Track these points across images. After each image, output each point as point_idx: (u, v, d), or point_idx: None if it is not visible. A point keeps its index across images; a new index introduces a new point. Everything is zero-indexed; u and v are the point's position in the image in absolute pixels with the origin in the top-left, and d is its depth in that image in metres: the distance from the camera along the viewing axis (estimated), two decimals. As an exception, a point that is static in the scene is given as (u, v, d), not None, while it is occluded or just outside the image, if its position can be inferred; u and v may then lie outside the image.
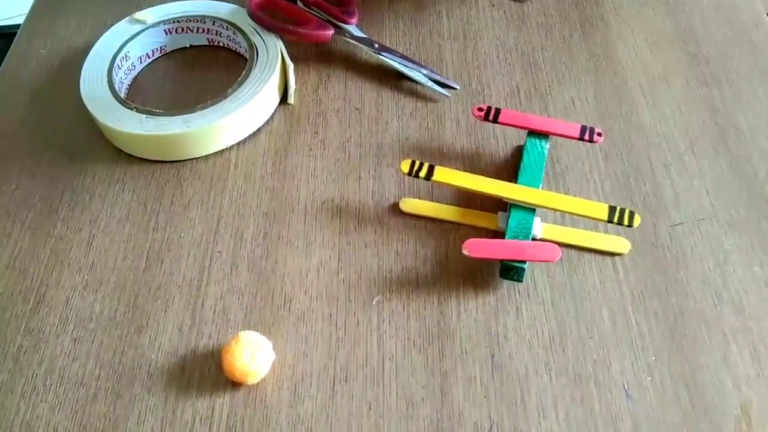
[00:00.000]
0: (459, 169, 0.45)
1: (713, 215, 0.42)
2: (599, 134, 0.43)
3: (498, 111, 0.44)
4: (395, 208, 0.43)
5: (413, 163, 0.41)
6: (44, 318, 0.40)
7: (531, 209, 0.40)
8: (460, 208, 0.42)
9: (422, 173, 0.40)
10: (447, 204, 0.43)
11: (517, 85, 0.50)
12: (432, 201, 0.43)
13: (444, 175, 0.41)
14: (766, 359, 0.37)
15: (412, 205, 0.43)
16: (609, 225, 0.42)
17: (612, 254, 0.41)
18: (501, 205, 0.42)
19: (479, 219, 0.42)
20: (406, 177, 0.45)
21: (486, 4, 0.56)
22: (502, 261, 0.38)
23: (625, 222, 0.39)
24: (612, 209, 0.39)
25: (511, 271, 0.39)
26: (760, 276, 0.40)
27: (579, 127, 0.43)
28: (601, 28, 0.54)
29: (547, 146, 0.43)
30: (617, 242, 0.41)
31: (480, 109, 0.44)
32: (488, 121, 0.44)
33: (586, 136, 0.43)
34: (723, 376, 0.36)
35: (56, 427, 0.36)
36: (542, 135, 0.43)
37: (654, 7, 0.55)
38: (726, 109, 0.48)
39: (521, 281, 0.39)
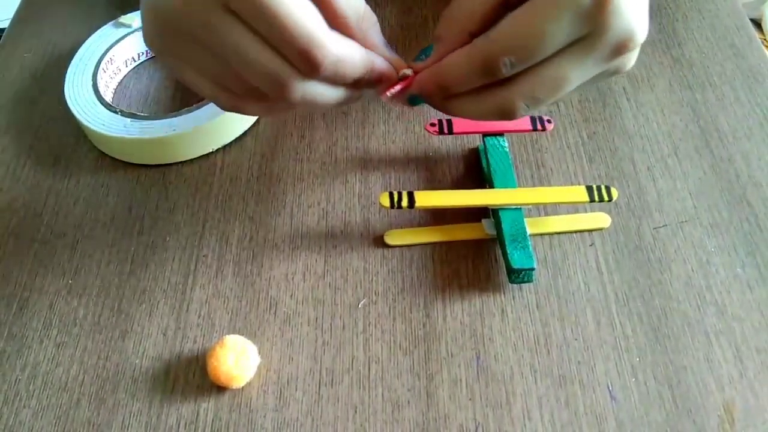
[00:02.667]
0: (447, 172, 0.46)
1: (696, 217, 0.43)
2: (549, 121, 0.44)
3: (450, 122, 0.44)
4: (381, 212, 0.43)
5: (392, 195, 0.40)
6: (27, 323, 0.39)
7: (517, 208, 0.41)
8: (445, 227, 0.42)
9: (404, 203, 0.40)
10: (430, 220, 0.43)
11: (502, 89, 0.50)
12: (414, 221, 0.43)
13: (426, 199, 0.40)
14: (749, 360, 0.37)
15: (397, 237, 0.42)
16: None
17: (597, 230, 0.42)
18: (483, 212, 0.42)
19: (465, 232, 0.42)
20: (393, 180, 0.45)
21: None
22: (510, 265, 0.38)
23: (605, 198, 0.40)
24: (590, 189, 0.40)
25: (521, 273, 0.39)
26: (743, 277, 0.40)
27: (529, 119, 0.44)
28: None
29: (507, 143, 0.44)
30: (598, 218, 0.42)
31: (432, 125, 0.44)
32: (443, 134, 0.44)
33: (538, 126, 0.44)
34: (706, 377, 0.36)
35: (39, 433, 0.35)
36: (498, 134, 0.44)
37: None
38: (708, 112, 0.48)
39: (531, 281, 0.39)
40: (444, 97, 0.33)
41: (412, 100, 0.34)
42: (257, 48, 0.30)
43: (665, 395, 0.36)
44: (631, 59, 0.32)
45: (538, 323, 0.38)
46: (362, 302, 0.39)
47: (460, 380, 0.36)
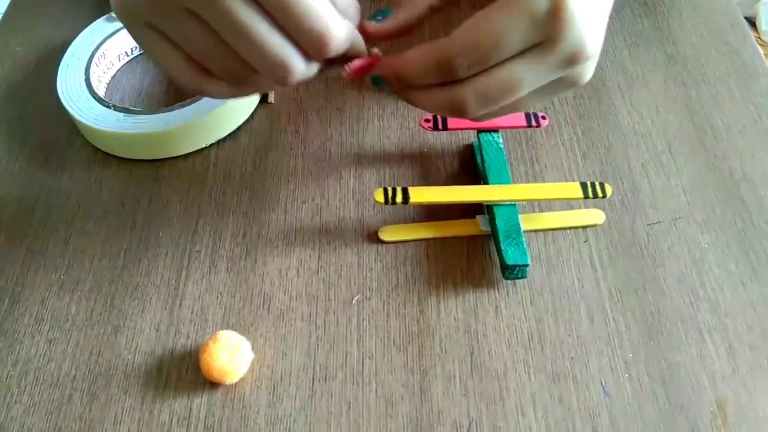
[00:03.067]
0: (441, 169, 0.45)
1: (690, 214, 0.43)
2: (543, 118, 0.44)
3: (444, 118, 0.44)
4: (375, 208, 0.43)
5: (386, 191, 0.40)
6: (19, 318, 0.39)
7: (512, 204, 0.40)
8: (439, 223, 0.42)
9: (398, 199, 0.40)
10: (424, 216, 0.43)
11: (497, 85, 0.50)
12: (408, 218, 0.43)
13: (420, 194, 0.40)
14: (742, 356, 0.37)
15: (391, 232, 0.42)
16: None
17: (591, 226, 0.42)
18: (477, 208, 0.42)
19: (460, 228, 0.42)
20: (387, 176, 0.45)
21: (467, 5, 0.56)
22: (504, 261, 0.38)
23: (599, 194, 0.40)
24: (584, 185, 0.41)
25: (515, 269, 0.39)
26: (736, 274, 0.40)
27: (523, 115, 0.44)
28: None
29: (501, 139, 0.43)
30: (592, 215, 0.42)
31: (427, 120, 0.44)
32: (438, 129, 0.44)
33: (533, 123, 0.44)
34: (699, 373, 0.37)
35: (31, 428, 0.35)
36: (492, 130, 0.44)
37: (632, 7, 0.56)
38: (703, 110, 0.48)
39: (525, 277, 0.39)
40: (402, 87, 0.34)
41: (375, 81, 0.35)
42: (267, 29, 0.29)
43: (658, 391, 0.36)
44: (586, 71, 0.32)
45: (531, 319, 0.38)
46: (356, 298, 0.39)
47: (454, 376, 0.36)
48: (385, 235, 0.42)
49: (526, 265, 0.38)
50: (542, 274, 0.40)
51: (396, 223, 0.42)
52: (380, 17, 0.35)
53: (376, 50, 0.34)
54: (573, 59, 0.31)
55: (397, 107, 0.49)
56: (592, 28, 0.30)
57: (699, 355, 0.37)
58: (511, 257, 0.38)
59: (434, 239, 0.42)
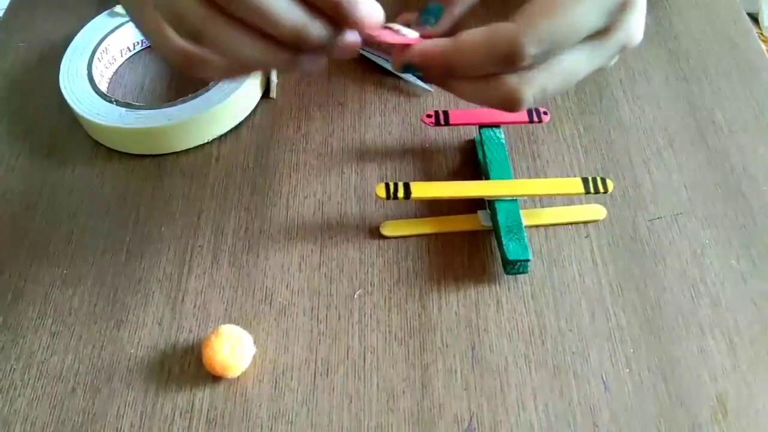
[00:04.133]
0: (443, 164, 0.45)
1: (691, 209, 0.43)
2: (545, 113, 0.44)
3: (446, 113, 0.44)
4: (377, 203, 0.43)
5: (388, 186, 0.40)
6: (22, 312, 0.39)
7: (513, 200, 0.41)
8: (441, 218, 0.42)
9: (400, 194, 0.40)
10: (426, 211, 0.43)
11: (499, 81, 0.50)
12: (410, 213, 0.43)
13: (422, 190, 0.40)
14: (742, 351, 0.37)
15: (393, 227, 0.42)
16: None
17: (593, 222, 0.42)
18: (478, 203, 0.42)
19: (461, 223, 0.42)
20: (389, 171, 0.45)
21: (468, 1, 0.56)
22: (505, 256, 0.38)
23: (600, 189, 0.40)
24: (585, 181, 0.41)
25: (516, 264, 0.39)
26: (737, 269, 0.40)
27: (525, 111, 0.44)
28: (583, 24, 0.54)
29: (503, 135, 0.43)
30: (594, 210, 0.42)
31: (429, 116, 0.44)
32: (440, 125, 0.44)
33: (535, 118, 0.44)
34: (699, 368, 0.37)
35: (34, 421, 0.35)
36: (494, 125, 0.44)
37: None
38: (704, 105, 0.48)
39: (526, 272, 0.39)
40: (445, 76, 0.31)
41: (407, 68, 0.31)
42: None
43: (659, 386, 0.36)
44: (616, 60, 0.32)
45: (532, 314, 0.39)
46: (358, 293, 0.39)
47: (455, 370, 0.37)
48: (386, 230, 0.42)
49: (528, 260, 0.38)
50: (543, 269, 0.40)
51: (397, 219, 0.42)
52: (433, 19, 0.32)
53: (404, 30, 0.31)
54: (625, 47, 0.30)
55: (399, 102, 0.49)
56: (642, 21, 0.30)
57: (699, 350, 0.37)
58: (512, 252, 0.38)
59: (436, 234, 0.42)
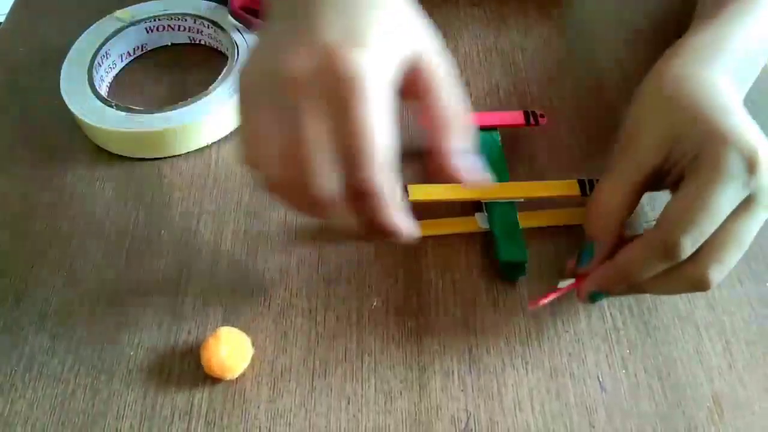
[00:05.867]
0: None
1: (687, 211, 0.43)
2: (542, 116, 0.45)
3: None
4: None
5: None
6: (23, 315, 0.39)
7: (510, 202, 0.41)
8: (438, 220, 0.42)
9: None
10: (423, 214, 0.42)
11: (496, 84, 0.51)
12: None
13: (419, 192, 0.41)
14: (738, 352, 0.37)
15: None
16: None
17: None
18: (476, 206, 0.43)
19: (458, 225, 0.42)
20: (386, 174, 0.45)
21: (466, 3, 0.57)
22: (502, 259, 0.39)
23: None
24: (581, 183, 0.41)
25: (514, 267, 0.39)
26: (732, 271, 0.40)
27: (522, 113, 0.45)
28: (579, 27, 0.55)
29: (499, 137, 0.44)
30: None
31: None
32: None
33: (531, 121, 0.44)
34: (696, 369, 0.37)
35: (35, 423, 0.36)
36: (491, 128, 0.44)
37: (630, 7, 0.56)
38: (701, 108, 0.48)
39: (524, 275, 0.40)
40: (628, 287, 0.36)
41: (595, 298, 0.37)
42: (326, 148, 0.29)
43: (655, 387, 0.36)
44: None
45: (529, 316, 0.39)
46: (375, 304, 0.39)
47: (452, 372, 0.37)
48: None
49: (525, 263, 0.38)
50: (540, 270, 0.40)
51: None
52: (588, 257, 0.37)
53: (563, 283, 0.37)
54: None
55: (397, 105, 0.49)
56: None
57: (696, 351, 0.37)
58: (509, 255, 0.38)
59: (434, 236, 0.42)
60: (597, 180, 0.41)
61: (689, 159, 0.34)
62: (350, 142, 0.29)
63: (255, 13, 0.51)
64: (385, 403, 0.36)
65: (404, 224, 0.31)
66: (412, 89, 0.32)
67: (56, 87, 0.48)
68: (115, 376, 0.37)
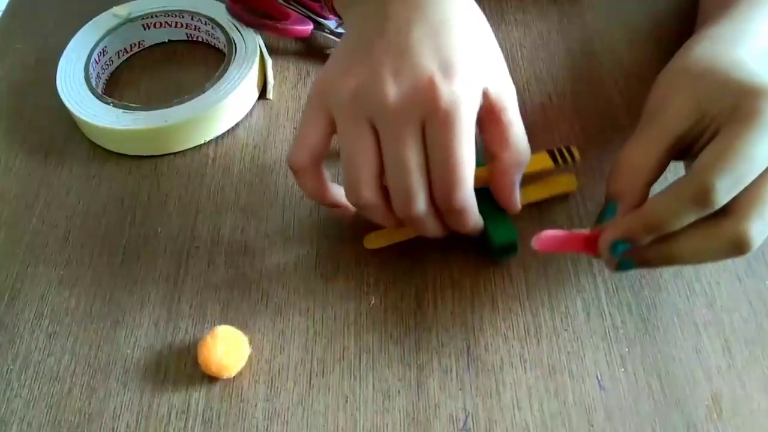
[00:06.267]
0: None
1: (686, 209, 0.43)
2: (570, 152, 0.41)
3: None
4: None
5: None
6: (19, 313, 0.39)
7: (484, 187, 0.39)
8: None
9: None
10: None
11: (495, 81, 0.50)
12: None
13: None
14: (737, 351, 0.37)
15: (375, 239, 0.40)
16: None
17: (567, 193, 0.42)
18: None
19: None
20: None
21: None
22: (493, 242, 0.38)
23: (569, 159, 0.40)
24: (551, 153, 0.41)
25: (506, 248, 0.38)
26: (732, 269, 0.40)
27: (547, 153, 0.41)
28: (578, 25, 0.54)
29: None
30: (566, 180, 0.42)
31: None
32: None
33: (560, 159, 0.41)
34: (695, 368, 0.37)
35: (31, 422, 0.35)
36: None
37: (630, 5, 0.56)
38: (700, 105, 0.48)
39: (515, 254, 0.39)
40: (657, 242, 0.33)
41: (623, 265, 0.35)
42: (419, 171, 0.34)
43: (654, 385, 0.36)
44: None
45: (528, 314, 0.39)
46: (372, 302, 0.39)
47: (450, 370, 0.37)
48: (369, 243, 0.40)
49: (515, 242, 0.38)
50: (538, 269, 0.40)
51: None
52: (611, 215, 0.35)
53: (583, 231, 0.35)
54: None
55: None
56: None
57: (694, 349, 0.37)
58: (501, 237, 0.38)
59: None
60: (566, 147, 0.40)
61: (725, 115, 0.32)
62: (448, 169, 0.33)
63: (252, 11, 0.51)
64: (383, 401, 0.36)
65: (479, 225, 0.37)
66: (480, 121, 0.35)
67: (53, 84, 0.47)
68: (111, 375, 0.37)
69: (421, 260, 0.41)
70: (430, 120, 0.32)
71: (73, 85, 0.47)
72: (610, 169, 0.36)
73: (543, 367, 0.37)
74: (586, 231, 0.35)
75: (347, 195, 0.35)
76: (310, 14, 0.52)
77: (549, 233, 0.35)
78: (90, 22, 0.51)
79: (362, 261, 0.41)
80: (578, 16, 0.55)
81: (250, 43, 0.49)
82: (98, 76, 0.50)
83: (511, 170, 0.36)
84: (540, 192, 0.42)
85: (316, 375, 0.37)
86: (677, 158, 0.35)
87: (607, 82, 0.50)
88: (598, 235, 0.34)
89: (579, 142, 0.46)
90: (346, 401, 0.36)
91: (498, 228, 0.38)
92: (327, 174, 0.38)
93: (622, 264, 0.34)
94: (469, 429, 0.35)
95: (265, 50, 0.49)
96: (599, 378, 0.36)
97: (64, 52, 0.49)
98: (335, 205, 0.38)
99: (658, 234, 0.32)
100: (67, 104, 0.46)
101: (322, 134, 0.35)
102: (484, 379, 0.36)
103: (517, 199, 0.37)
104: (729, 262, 0.40)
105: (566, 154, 0.40)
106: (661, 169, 0.35)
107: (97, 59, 0.49)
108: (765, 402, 0.35)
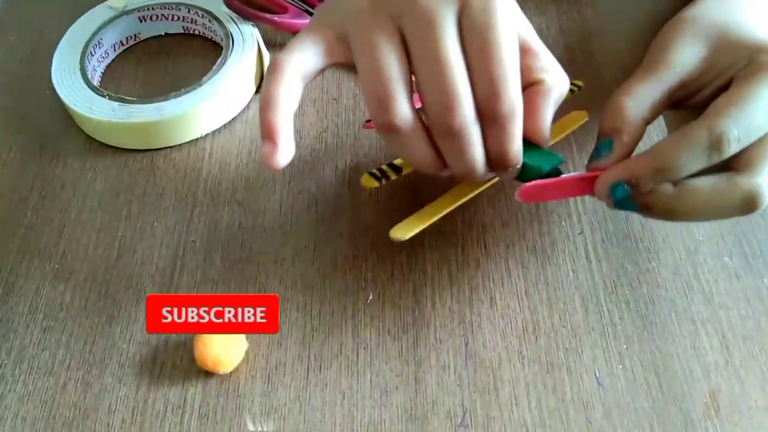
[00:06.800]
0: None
1: (685, 206, 0.43)
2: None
3: None
4: (371, 198, 0.43)
5: (373, 174, 0.38)
6: (13, 307, 0.39)
7: None
8: (446, 195, 0.38)
9: (391, 174, 0.38)
10: (423, 196, 0.41)
11: (493, 77, 0.50)
12: (403, 204, 0.41)
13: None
14: (735, 347, 0.37)
15: (404, 228, 0.36)
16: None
17: (580, 126, 0.42)
18: None
19: (469, 186, 0.38)
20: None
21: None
22: (540, 170, 0.34)
23: (575, 90, 0.41)
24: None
25: (551, 173, 0.34)
26: (730, 266, 0.40)
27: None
28: (578, 22, 0.54)
29: None
30: (578, 116, 0.42)
31: (368, 120, 0.43)
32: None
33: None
34: (692, 364, 0.37)
35: (25, 417, 0.35)
36: None
37: (629, 2, 0.55)
38: (699, 102, 0.48)
39: (561, 173, 0.35)
40: (661, 189, 0.31)
41: (623, 204, 0.32)
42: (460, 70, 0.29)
43: (652, 382, 0.36)
44: None
45: (526, 310, 0.38)
46: (370, 299, 0.39)
47: (449, 366, 0.37)
48: (398, 232, 0.35)
49: (561, 163, 0.34)
50: (537, 266, 0.40)
51: (393, 212, 0.42)
52: (605, 151, 0.33)
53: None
54: None
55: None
56: None
57: (692, 346, 0.37)
58: (545, 162, 0.34)
59: (429, 228, 0.41)
60: (572, 82, 0.38)
61: (739, 68, 0.31)
62: (494, 63, 0.29)
63: (250, 4, 0.50)
64: (380, 397, 0.36)
65: (520, 148, 0.32)
66: None
67: (48, 76, 0.47)
68: (107, 370, 0.37)
69: (419, 256, 0.41)
70: (468, 6, 0.29)
71: (68, 78, 0.47)
72: (606, 106, 0.34)
73: (541, 364, 0.37)
74: (575, 173, 0.34)
75: (376, 120, 0.31)
76: (308, 8, 0.51)
77: (535, 183, 0.32)
78: (86, 15, 0.51)
79: (360, 257, 0.41)
80: (578, 13, 0.55)
81: (248, 37, 0.49)
82: (94, 69, 0.49)
83: (552, 93, 0.33)
84: (558, 133, 0.41)
85: (314, 371, 0.36)
86: (672, 107, 0.34)
87: (607, 80, 0.50)
88: (594, 177, 0.32)
89: (578, 140, 0.46)
90: (344, 397, 0.36)
91: (542, 156, 0.34)
92: (293, 107, 0.33)
93: (621, 203, 0.32)
94: (467, 425, 0.35)
95: (262, 44, 0.49)
96: (597, 374, 0.36)
97: (60, 45, 0.49)
98: (270, 131, 0.32)
99: (663, 179, 0.30)
100: (63, 97, 0.46)
101: (317, 51, 0.32)
102: (482, 375, 0.36)
103: (549, 129, 0.34)
104: (727, 259, 0.40)
105: (575, 88, 0.41)
106: (659, 109, 0.33)
107: (92, 52, 0.49)
108: (762, 399, 0.35)
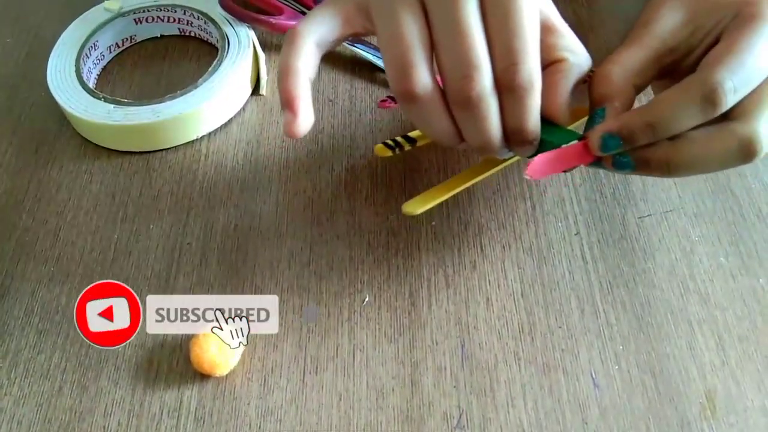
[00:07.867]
0: (433, 160, 0.45)
1: (680, 207, 0.43)
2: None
3: None
4: (367, 200, 0.43)
5: (387, 144, 0.38)
6: (9, 310, 0.39)
7: None
8: (465, 171, 0.38)
9: (405, 145, 0.38)
10: (428, 181, 0.41)
11: (489, 78, 0.50)
12: (406, 191, 0.43)
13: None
14: (731, 348, 0.37)
15: (418, 204, 0.36)
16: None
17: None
18: None
19: (483, 165, 0.38)
20: (380, 168, 0.45)
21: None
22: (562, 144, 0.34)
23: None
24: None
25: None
26: (726, 266, 0.40)
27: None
28: (576, 20, 0.54)
29: None
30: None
31: (384, 100, 0.44)
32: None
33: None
34: (689, 365, 0.37)
35: (20, 420, 0.35)
36: None
37: (629, 1, 0.56)
38: (694, 103, 0.48)
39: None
40: (657, 143, 0.31)
41: (621, 164, 0.31)
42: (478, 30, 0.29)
43: (648, 383, 0.36)
44: None
45: (522, 312, 0.38)
46: (366, 301, 0.39)
47: (445, 368, 0.37)
48: (411, 207, 0.36)
49: (581, 139, 0.33)
50: (533, 267, 0.40)
51: (387, 215, 0.42)
52: (599, 119, 0.33)
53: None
54: None
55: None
56: None
57: (688, 346, 0.37)
58: (563, 141, 0.33)
59: (427, 229, 0.42)
60: None
61: (726, 23, 0.31)
62: (514, 32, 0.29)
63: (244, 5, 0.50)
64: (377, 399, 0.36)
65: (538, 123, 0.32)
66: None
67: (43, 78, 0.47)
68: (102, 373, 0.37)
69: (416, 258, 0.41)
70: None
71: (63, 80, 0.46)
72: (598, 69, 0.34)
73: (537, 365, 0.37)
74: (575, 142, 0.33)
75: (396, 88, 0.30)
76: (304, 10, 0.51)
77: (539, 157, 0.32)
78: (81, 17, 0.51)
79: (356, 258, 0.41)
80: (576, 14, 0.55)
81: (243, 39, 0.49)
82: (89, 71, 0.49)
83: (572, 72, 0.33)
84: (583, 115, 0.40)
85: (310, 373, 0.36)
86: (663, 75, 0.34)
87: (602, 79, 0.50)
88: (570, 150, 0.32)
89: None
90: (340, 399, 0.36)
91: (561, 133, 0.33)
92: (311, 75, 0.33)
93: (619, 162, 0.32)
94: (463, 427, 0.35)
95: (258, 45, 0.49)
96: (593, 375, 0.36)
97: (55, 47, 0.49)
98: (289, 99, 0.32)
99: (657, 135, 0.30)
100: (58, 99, 0.45)
101: (336, 21, 0.32)
102: (478, 376, 0.36)
103: (567, 107, 0.33)
104: (723, 259, 0.40)
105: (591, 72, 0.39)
106: (649, 74, 0.33)
107: (88, 54, 0.49)
108: (758, 399, 0.35)
